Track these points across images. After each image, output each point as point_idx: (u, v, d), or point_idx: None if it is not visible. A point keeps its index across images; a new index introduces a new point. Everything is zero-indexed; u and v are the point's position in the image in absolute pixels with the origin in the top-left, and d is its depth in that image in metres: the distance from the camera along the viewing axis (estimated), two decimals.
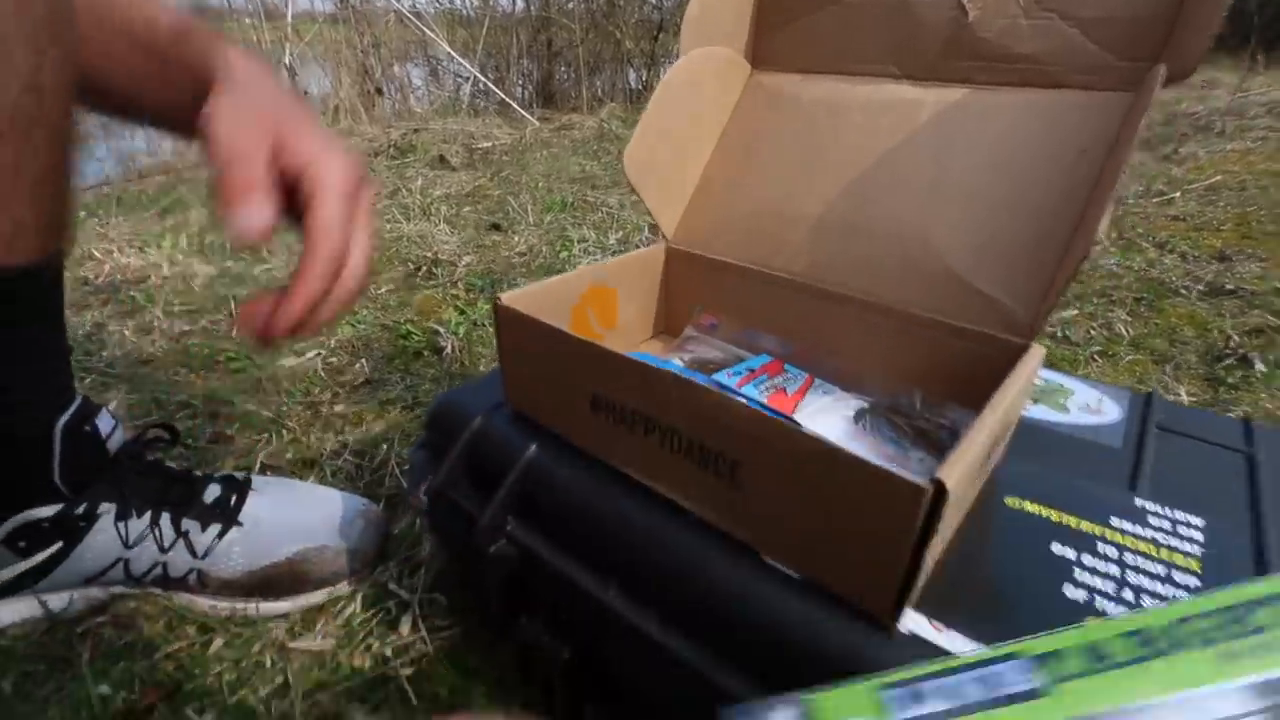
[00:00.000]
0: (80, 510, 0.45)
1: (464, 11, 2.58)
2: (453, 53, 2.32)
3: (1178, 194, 1.56)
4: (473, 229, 1.36)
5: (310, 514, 0.53)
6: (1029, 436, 0.40)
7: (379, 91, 2.17)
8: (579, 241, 1.24)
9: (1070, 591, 0.29)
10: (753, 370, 0.44)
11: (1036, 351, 0.35)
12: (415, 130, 2.06)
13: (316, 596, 0.52)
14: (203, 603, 0.50)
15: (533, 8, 2.59)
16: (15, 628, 0.48)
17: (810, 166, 0.46)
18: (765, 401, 0.40)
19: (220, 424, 0.74)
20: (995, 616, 0.28)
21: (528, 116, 2.22)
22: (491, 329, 0.96)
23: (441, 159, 1.88)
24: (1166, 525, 0.32)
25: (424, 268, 1.14)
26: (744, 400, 0.40)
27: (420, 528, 0.58)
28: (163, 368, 0.86)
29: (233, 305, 1.02)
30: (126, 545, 0.47)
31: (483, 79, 2.26)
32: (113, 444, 0.47)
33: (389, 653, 0.49)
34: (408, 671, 0.47)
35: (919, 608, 0.29)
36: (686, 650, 0.34)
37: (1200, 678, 0.13)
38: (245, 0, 2.13)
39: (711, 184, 0.50)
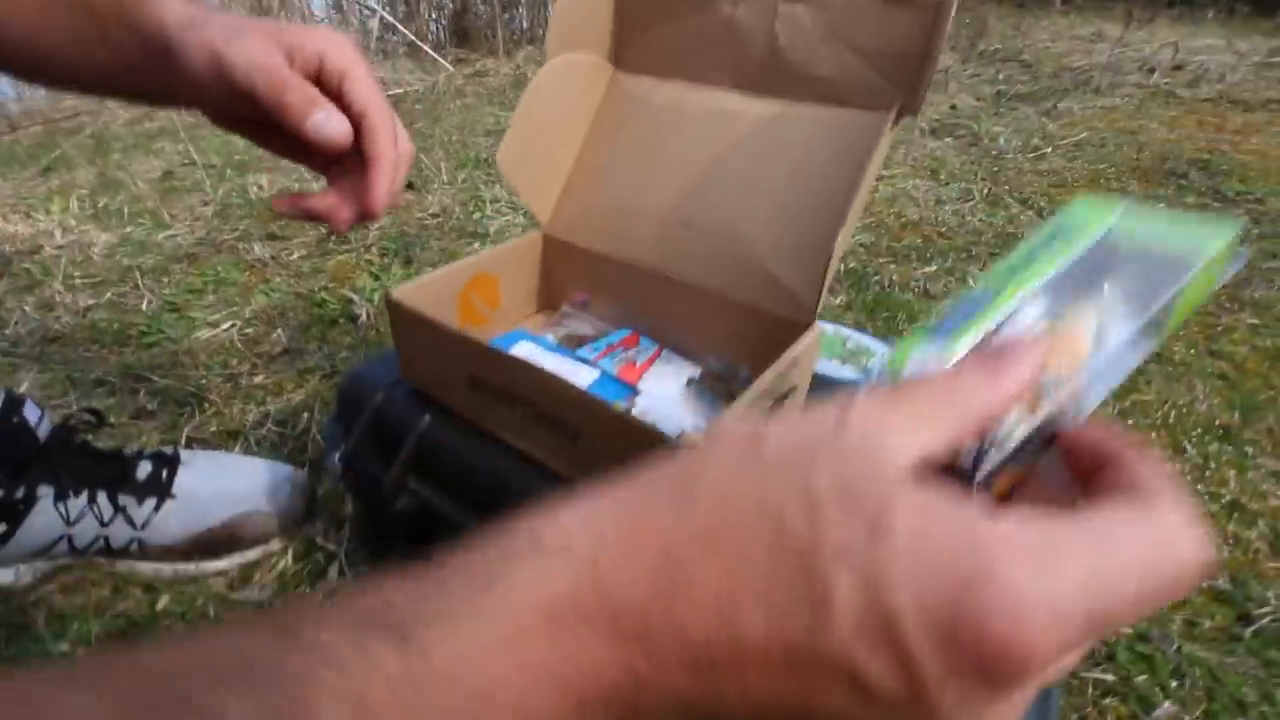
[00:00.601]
0: (19, 495, 0.49)
1: None
2: None
3: (1050, 149, 1.71)
4: None
5: (239, 482, 0.59)
6: (830, 390, 0.51)
7: None
8: (491, 202, 1.27)
9: None
10: (611, 345, 0.53)
11: (813, 330, 0.44)
12: None
13: (252, 554, 0.59)
14: (146, 568, 0.57)
15: None
16: None
17: (657, 166, 0.53)
18: (616, 374, 0.49)
19: (141, 399, 0.77)
20: None
21: (441, 61, 2.15)
22: None
23: None
24: None
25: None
26: (598, 370, 0.49)
27: (343, 489, 0.65)
28: (71, 344, 0.87)
29: (139, 277, 1.02)
30: (68, 523, 0.52)
31: (390, 19, 2.16)
32: (42, 431, 0.51)
33: (305, 571, 0.57)
34: (335, 577, 0.56)
35: None
36: None
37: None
38: None
39: (578, 178, 0.57)
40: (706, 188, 0.51)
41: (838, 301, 1.01)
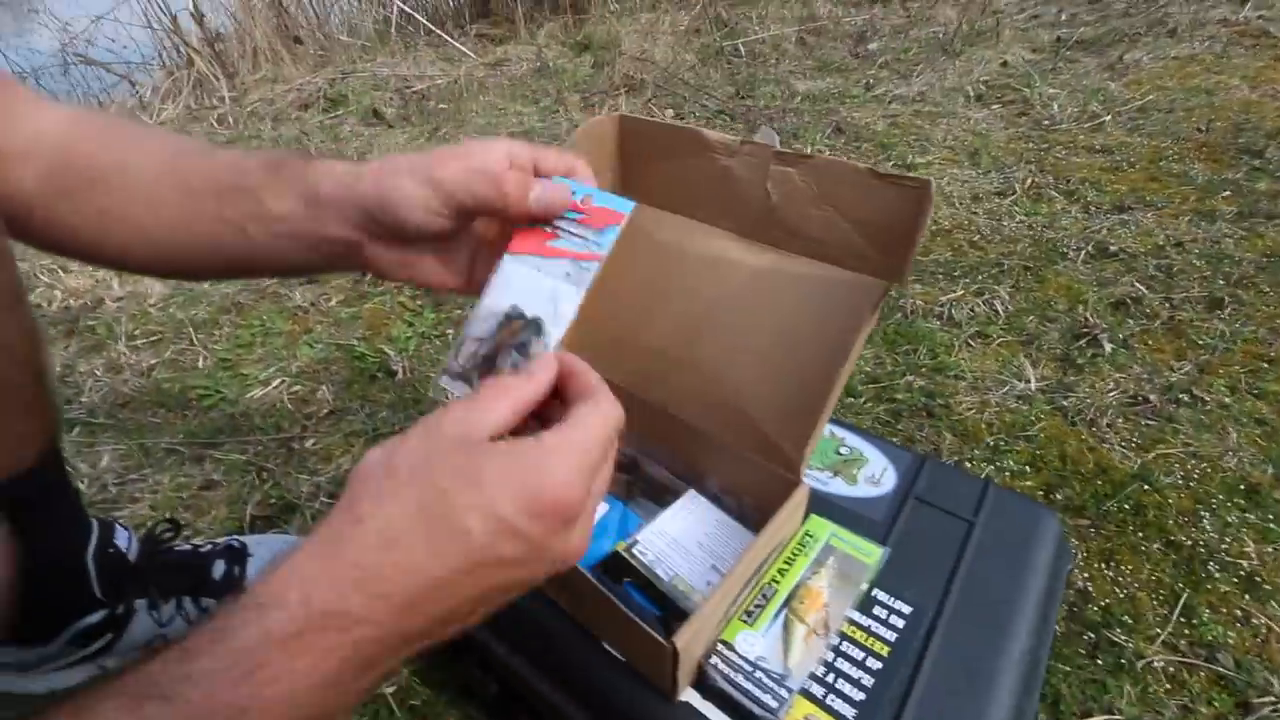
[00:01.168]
0: (120, 610, 0.58)
1: None
2: None
3: (1108, 117, 1.58)
4: None
5: None
6: (821, 507, 0.53)
7: (297, 41, 2.04)
8: None
9: None
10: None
11: (801, 490, 0.47)
12: (344, 75, 1.97)
13: None
14: None
15: None
16: (81, 686, 0.63)
17: (655, 302, 0.54)
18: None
19: (207, 469, 0.86)
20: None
21: (462, 49, 2.11)
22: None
23: (375, 112, 1.83)
24: (882, 615, 0.46)
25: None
26: (606, 504, 0.52)
27: None
28: (140, 409, 0.96)
29: (193, 332, 1.09)
30: (160, 625, 0.60)
31: (408, 9, 2.12)
32: (132, 552, 0.59)
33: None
34: (390, 689, 0.63)
35: (694, 686, 0.44)
36: (557, 696, 0.49)
37: None
38: None
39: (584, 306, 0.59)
40: (700, 331, 0.52)
41: None
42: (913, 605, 0.46)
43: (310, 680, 0.23)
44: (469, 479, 0.26)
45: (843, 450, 0.60)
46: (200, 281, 1.00)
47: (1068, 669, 0.61)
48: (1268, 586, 0.65)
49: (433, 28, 2.10)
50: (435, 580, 0.25)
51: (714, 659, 0.43)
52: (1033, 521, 0.52)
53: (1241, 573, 0.67)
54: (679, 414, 0.53)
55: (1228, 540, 0.69)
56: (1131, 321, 0.99)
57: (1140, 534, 0.71)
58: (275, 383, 0.99)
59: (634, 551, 0.50)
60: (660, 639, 0.38)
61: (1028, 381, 0.91)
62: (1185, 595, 0.65)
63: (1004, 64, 1.95)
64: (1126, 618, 0.64)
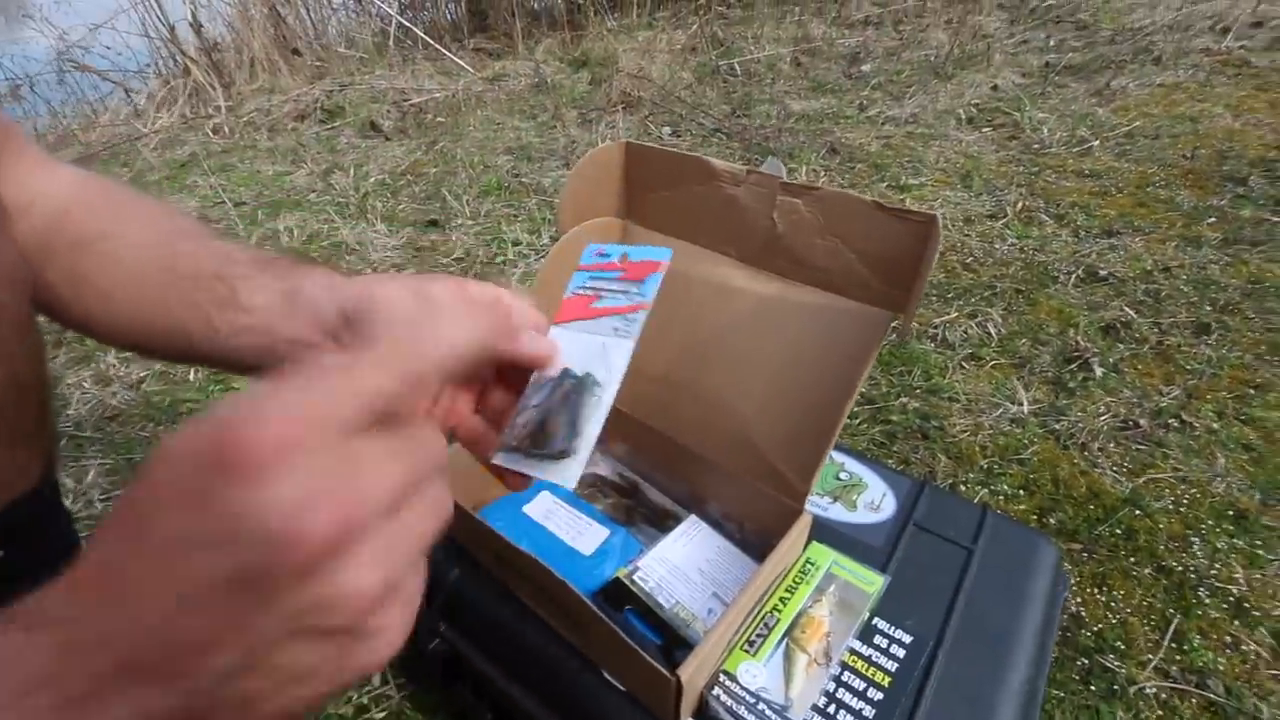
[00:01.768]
0: None
1: None
2: None
3: (1096, 142, 1.62)
4: (411, 227, 1.39)
5: None
6: (822, 533, 0.53)
7: (295, 52, 2.04)
8: (514, 245, 1.29)
9: None
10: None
11: (804, 519, 0.47)
12: (341, 87, 1.98)
13: None
14: None
15: None
16: None
17: (660, 330, 0.54)
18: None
19: None
20: None
21: (460, 64, 2.12)
22: None
23: (373, 124, 1.83)
24: (883, 644, 0.46)
25: None
26: (608, 529, 0.52)
27: None
28: (130, 422, 0.95)
29: None
30: None
31: (406, 23, 2.13)
32: None
33: (366, 701, 0.64)
34: (382, 715, 0.62)
35: (695, 716, 0.43)
36: None
37: None
38: None
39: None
40: (705, 358, 0.52)
41: None
42: (913, 634, 0.47)
43: None
44: (162, 450, 0.19)
45: (842, 475, 0.60)
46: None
47: (1061, 695, 0.61)
48: (1256, 612, 0.66)
49: (430, 41, 2.11)
50: (121, 574, 0.19)
51: (716, 690, 0.42)
52: (1031, 549, 0.53)
53: (1231, 598, 0.67)
54: (682, 440, 0.53)
55: (1217, 565, 0.70)
56: (1121, 346, 1.00)
57: (1132, 559, 0.71)
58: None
59: (635, 579, 0.49)
60: (664, 670, 0.38)
61: (1020, 404, 0.92)
62: (1176, 620, 0.66)
63: (994, 88, 1.99)
64: (1119, 643, 0.65)
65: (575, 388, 0.34)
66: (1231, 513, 0.75)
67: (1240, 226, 1.24)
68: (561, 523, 0.55)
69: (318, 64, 2.12)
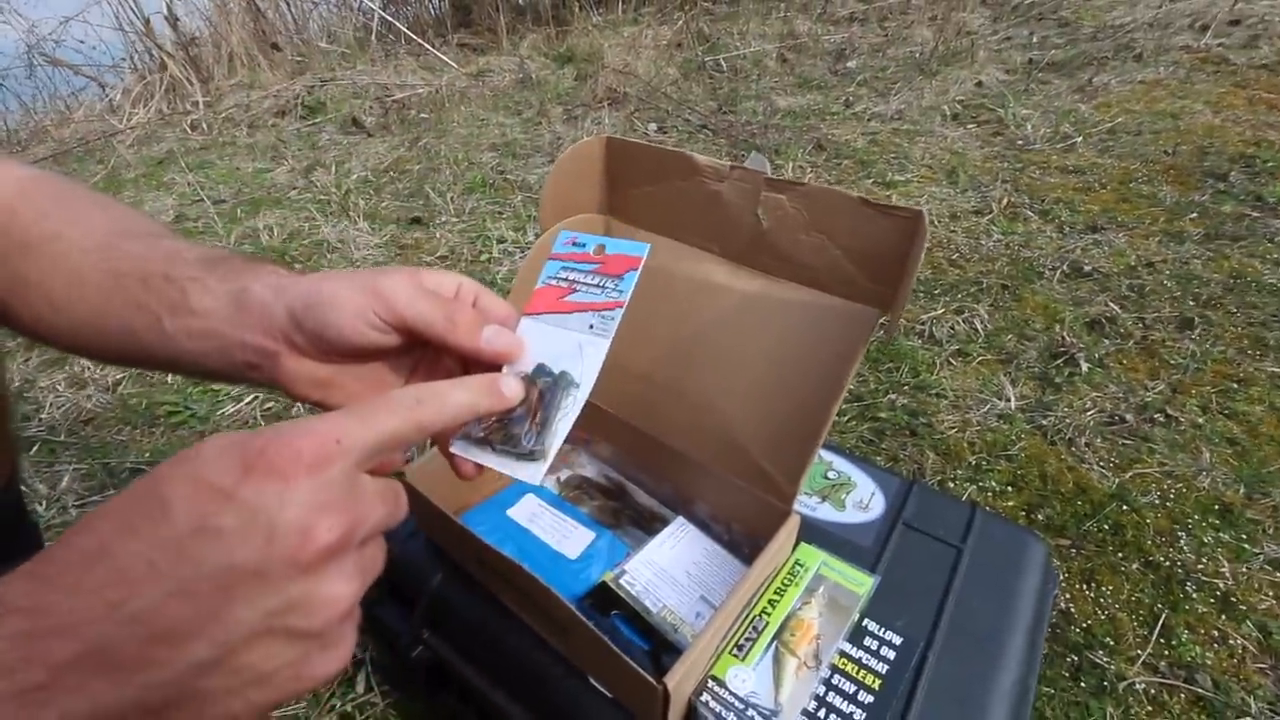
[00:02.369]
0: None
1: None
2: None
3: (1080, 138, 1.63)
4: (394, 225, 1.37)
5: None
6: (811, 534, 0.52)
7: (275, 47, 2.00)
8: (498, 242, 1.27)
9: None
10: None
11: (792, 520, 0.46)
12: (322, 83, 1.95)
13: None
14: None
15: None
16: None
17: (642, 327, 0.53)
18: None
19: None
20: None
21: (444, 59, 2.09)
22: None
23: (354, 120, 1.80)
24: (873, 646, 0.46)
25: None
26: (594, 532, 0.51)
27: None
28: (105, 426, 0.92)
29: None
30: None
31: (389, 17, 2.10)
32: None
33: (350, 709, 0.62)
34: None
35: None
36: None
37: None
38: None
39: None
40: (690, 357, 0.51)
41: None
42: (903, 635, 0.46)
43: None
44: (188, 453, 0.21)
45: (830, 475, 0.59)
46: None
47: (1051, 691, 0.61)
48: (1242, 606, 0.66)
49: (413, 36, 2.08)
50: (115, 559, 0.19)
51: (705, 696, 0.41)
52: (1020, 548, 0.53)
53: (1218, 592, 0.68)
54: (668, 441, 0.52)
55: (1204, 560, 0.70)
56: (1107, 341, 1.00)
57: (1120, 554, 0.72)
58: (248, 399, 0.95)
59: (622, 582, 0.48)
60: (651, 679, 0.37)
61: (1008, 400, 0.92)
62: (1164, 615, 0.66)
63: (979, 84, 1.99)
64: (1108, 639, 0.65)
65: (550, 387, 0.33)
66: (1217, 507, 0.75)
67: (1222, 222, 1.25)
68: (546, 526, 0.53)
69: (298, 59, 2.08)
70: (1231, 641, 0.64)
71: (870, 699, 0.42)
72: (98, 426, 0.92)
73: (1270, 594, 0.67)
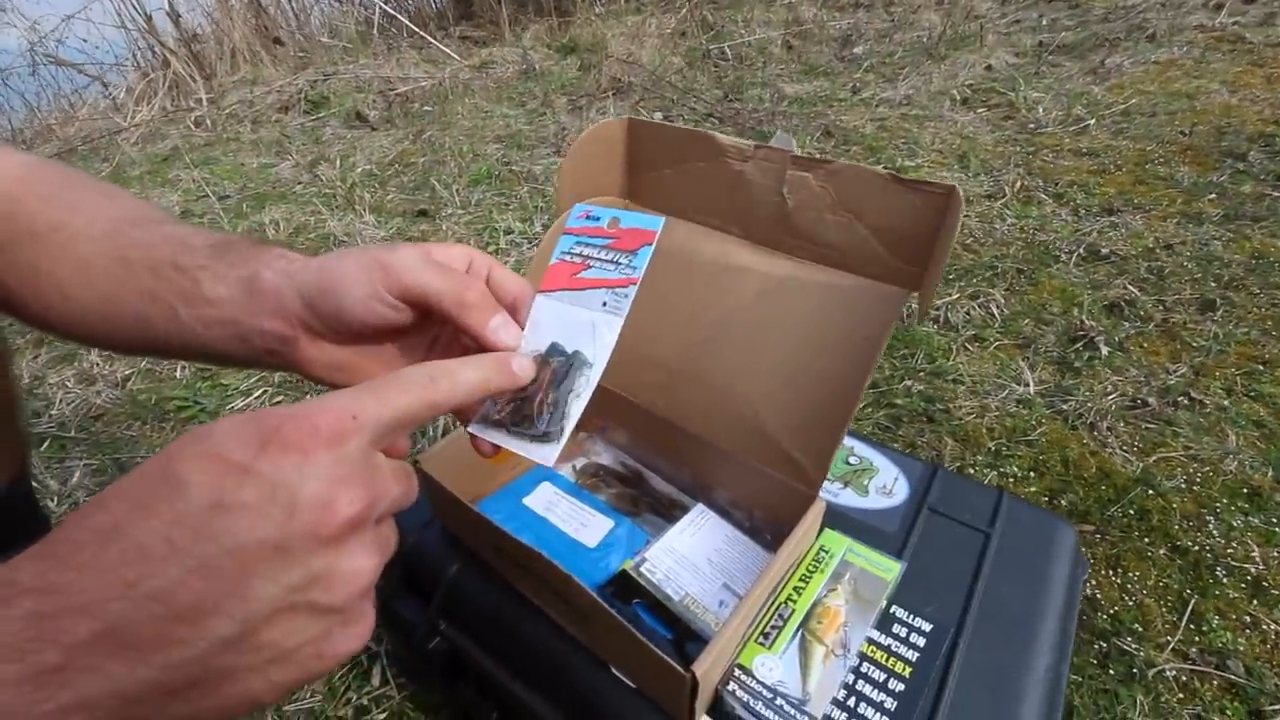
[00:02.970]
0: None
1: None
2: None
3: (1093, 121, 1.60)
4: (400, 217, 1.36)
5: None
6: (834, 519, 0.51)
7: (277, 42, 1.99)
8: (505, 233, 1.26)
9: None
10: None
11: (818, 505, 0.45)
12: (325, 77, 1.93)
13: None
14: None
15: None
16: None
17: (665, 313, 0.52)
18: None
19: None
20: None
21: (446, 51, 2.07)
22: None
23: (358, 114, 1.79)
24: (902, 633, 0.44)
25: None
26: (612, 520, 0.50)
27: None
28: (115, 422, 0.92)
29: None
30: None
31: (390, 10, 2.08)
32: None
33: (366, 702, 0.61)
34: (383, 716, 0.60)
35: (710, 713, 0.42)
36: None
37: None
38: None
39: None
40: (712, 342, 0.50)
41: None
42: (933, 622, 0.45)
43: None
44: (200, 431, 0.21)
45: (852, 460, 0.58)
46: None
47: (1079, 679, 0.59)
48: (1275, 591, 0.65)
49: (415, 29, 2.07)
50: (131, 538, 0.19)
51: (731, 685, 0.40)
52: (1049, 533, 0.51)
53: (1248, 577, 0.66)
54: (687, 427, 0.51)
55: (1233, 544, 0.69)
56: (1126, 324, 0.99)
57: (1146, 539, 0.70)
58: (257, 393, 0.95)
59: (642, 570, 0.47)
60: (678, 667, 0.36)
61: (1026, 385, 0.90)
62: (1193, 601, 0.64)
63: (988, 68, 1.96)
64: (1136, 625, 0.63)
65: (563, 366, 0.32)
66: (1245, 490, 0.74)
67: (1241, 202, 1.23)
68: (564, 514, 0.52)
69: (300, 54, 2.07)
70: (1264, 627, 0.63)
71: (901, 687, 0.41)
72: (108, 422, 0.92)
73: None
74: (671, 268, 0.52)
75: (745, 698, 0.40)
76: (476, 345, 0.34)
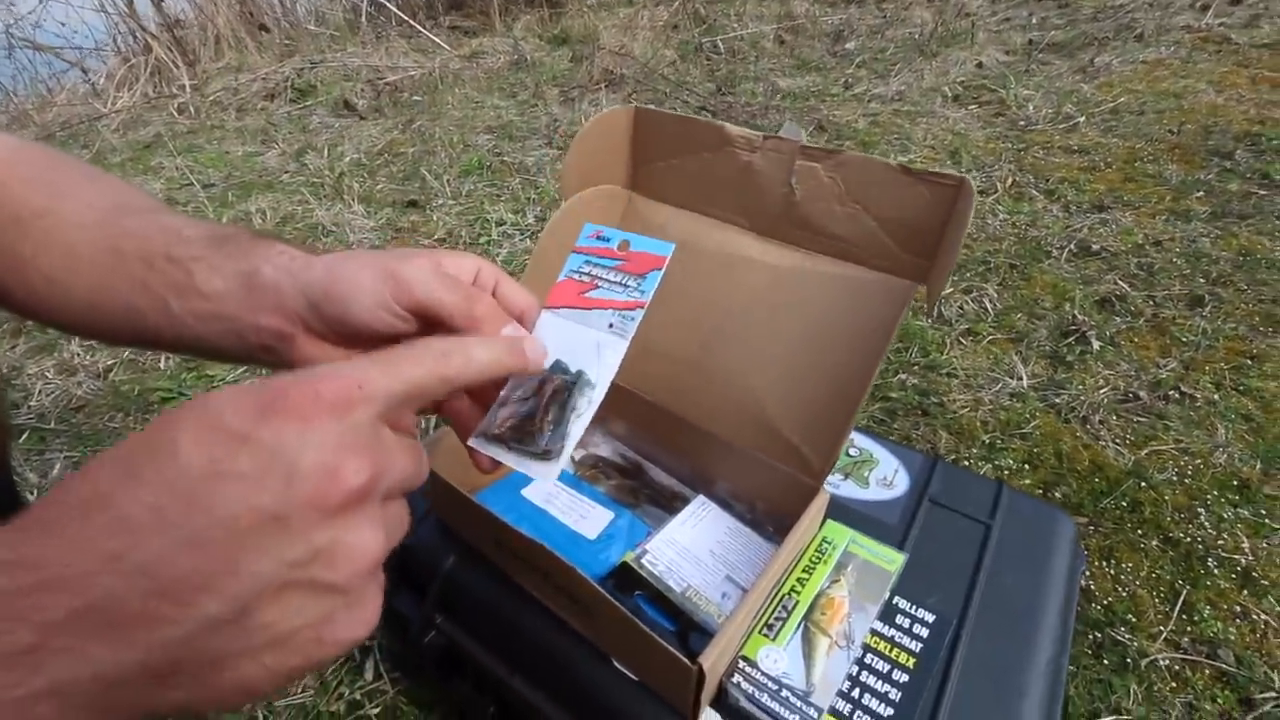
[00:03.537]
0: None
1: None
2: None
3: (1083, 118, 1.61)
4: (390, 208, 1.34)
5: None
6: (835, 511, 0.51)
7: (263, 28, 1.95)
8: (497, 224, 1.25)
9: None
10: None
11: (822, 496, 0.44)
12: (312, 65, 1.90)
13: None
14: None
15: None
16: None
17: (669, 304, 0.51)
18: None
19: None
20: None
21: (436, 41, 2.05)
22: None
23: (346, 103, 1.76)
24: (905, 624, 0.44)
25: None
26: (612, 511, 0.50)
27: None
28: (97, 413, 0.89)
29: None
30: None
31: None
32: None
33: (359, 697, 0.60)
34: (376, 711, 0.59)
35: (714, 705, 0.41)
36: (562, 718, 0.46)
37: None
38: None
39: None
40: (718, 333, 0.49)
41: None
42: (935, 613, 0.45)
43: None
44: (196, 400, 0.19)
45: (852, 452, 0.58)
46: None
47: (1074, 669, 0.60)
48: (1264, 582, 0.66)
49: (404, 18, 2.04)
50: (117, 508, 0.17)
51: (736, 677, 0.40)
52: (1049, 525, 0.51)
53: (1238, 568, 0.67)
54: (690, 418, 0.51)
55: (1223, 536, 0.70)
56: (1117, 319, 0.99)
57: (1138, 531, 0.71)
58: (246, 383, 0.93)
59: (643, 562, 0.47)
60: (684, 659, 0.36)
61: (1020, 379, 0.90)
62: (1185, 592, 0.65)
63: (979, 65, 1.97)
64: (1130, 616, 0.64)
65: (566, 386, 0.32)
66: (1235, 483, 0.75)
67: (1228, 200, 1.24)
68: (564, 506, 0.52)
69: (287, 41, 2.03)
70: (1254, 617, 0.63)
71: (905, 678, 0.41)
72: (89, 414, 0.89)
73: None
74: (677, 260, 0.51)
75: (750, 689, 0.39)
76: None
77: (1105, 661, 0.61)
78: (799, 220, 0.46)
